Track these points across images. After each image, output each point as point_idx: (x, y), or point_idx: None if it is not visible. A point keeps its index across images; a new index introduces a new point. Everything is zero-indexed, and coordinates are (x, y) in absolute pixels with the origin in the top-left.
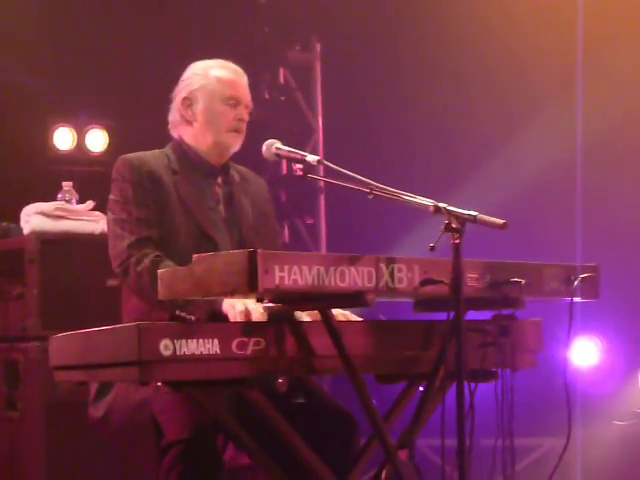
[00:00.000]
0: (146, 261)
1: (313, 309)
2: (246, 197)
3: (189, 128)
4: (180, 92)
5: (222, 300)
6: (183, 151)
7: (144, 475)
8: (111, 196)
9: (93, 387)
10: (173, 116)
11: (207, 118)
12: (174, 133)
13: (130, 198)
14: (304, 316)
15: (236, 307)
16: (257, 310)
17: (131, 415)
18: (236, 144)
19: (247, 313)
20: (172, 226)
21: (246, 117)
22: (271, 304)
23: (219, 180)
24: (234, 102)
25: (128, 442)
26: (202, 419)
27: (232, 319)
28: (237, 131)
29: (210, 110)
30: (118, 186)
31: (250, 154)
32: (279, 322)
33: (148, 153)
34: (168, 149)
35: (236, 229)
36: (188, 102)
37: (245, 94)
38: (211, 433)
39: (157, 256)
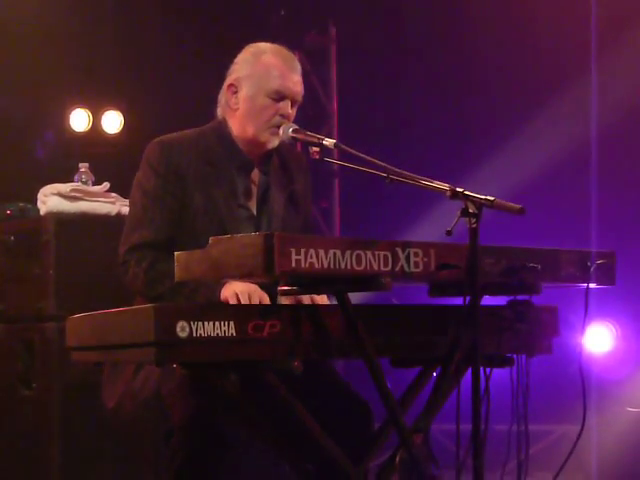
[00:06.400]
0: (144, 264)
1: (329, 292)
2: (281, 187)
3: (233, 115)
4: (229, 76)
5: (221, 288)
6: (223, 135)
7: (157, 457)
8: (138, 173)
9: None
10: (221, 98)
11: (248, 108)
12: (219, 114)
13: (150, 190)
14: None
15: (237, 291)
16: (258, 293)
17: (140, 412)
18: (273, 141)
19: (248, 297)
20: (192, 224)
21: (290, 112)
22: (286, 287)
23: (254, 173)
24: (279, 96)
25: (138, 434)
26: (207, 404)
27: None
28: (277, 127)
29: (252, 101)
30: (144, 169)
31: None
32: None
33: (184, 137)
34: (209, 129)
35: (265, 226)
36: (234, 89)
37: (293, 88)
38: (216, 418)
39: (156, 258)
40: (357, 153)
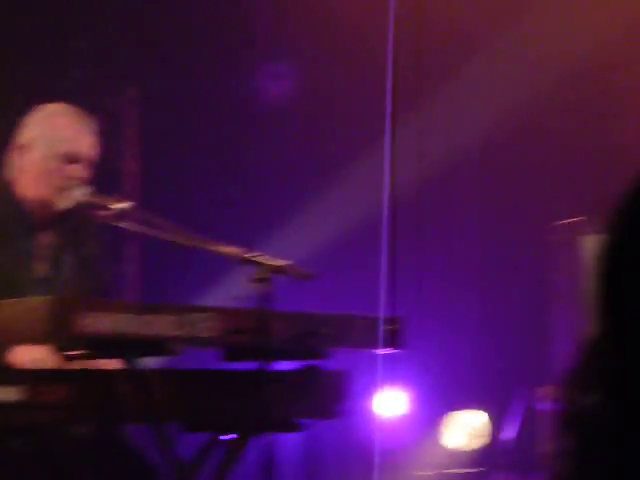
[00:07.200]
0: None
1: (118, 357)
2: (73, 249)
3: (22, 176)
4: (19, 137)
5: (11, 351)
6: (9, 199)
7: None
8: None
9: None
10: (9, 159)
11: (39, 170)
12: (7, 175)
13: None
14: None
15: (26, 356)
16: (51, 358)
17: None
18: (65, 203)
19: (38, 361)
20: None
21: (82, 173)
22: (75, 352)
23: (45, 235)
24: (70, 159)
25: None
26: None
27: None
28: (68, 189)
29: (43, 163)
30: None
31: None
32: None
33: None
34: None
35: (56, 289)
36: (23, 150)
37: (85, 150)
38: None
39: None
40: (151, 217)
